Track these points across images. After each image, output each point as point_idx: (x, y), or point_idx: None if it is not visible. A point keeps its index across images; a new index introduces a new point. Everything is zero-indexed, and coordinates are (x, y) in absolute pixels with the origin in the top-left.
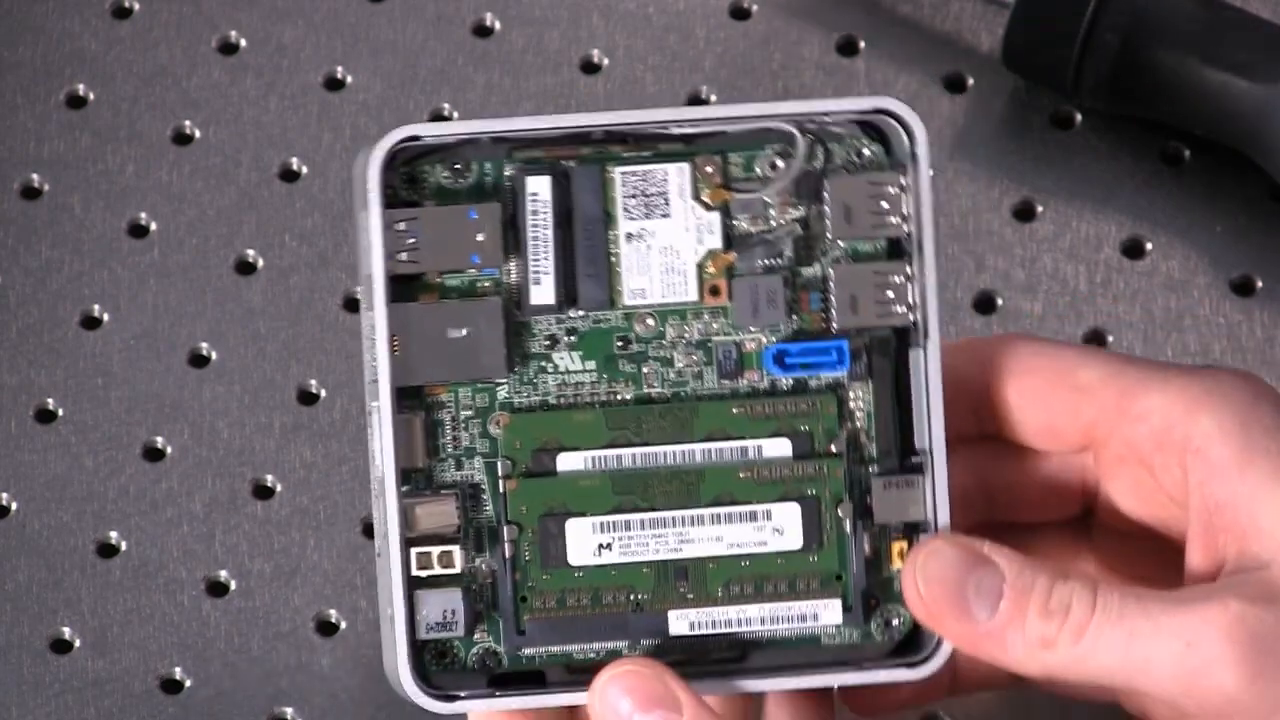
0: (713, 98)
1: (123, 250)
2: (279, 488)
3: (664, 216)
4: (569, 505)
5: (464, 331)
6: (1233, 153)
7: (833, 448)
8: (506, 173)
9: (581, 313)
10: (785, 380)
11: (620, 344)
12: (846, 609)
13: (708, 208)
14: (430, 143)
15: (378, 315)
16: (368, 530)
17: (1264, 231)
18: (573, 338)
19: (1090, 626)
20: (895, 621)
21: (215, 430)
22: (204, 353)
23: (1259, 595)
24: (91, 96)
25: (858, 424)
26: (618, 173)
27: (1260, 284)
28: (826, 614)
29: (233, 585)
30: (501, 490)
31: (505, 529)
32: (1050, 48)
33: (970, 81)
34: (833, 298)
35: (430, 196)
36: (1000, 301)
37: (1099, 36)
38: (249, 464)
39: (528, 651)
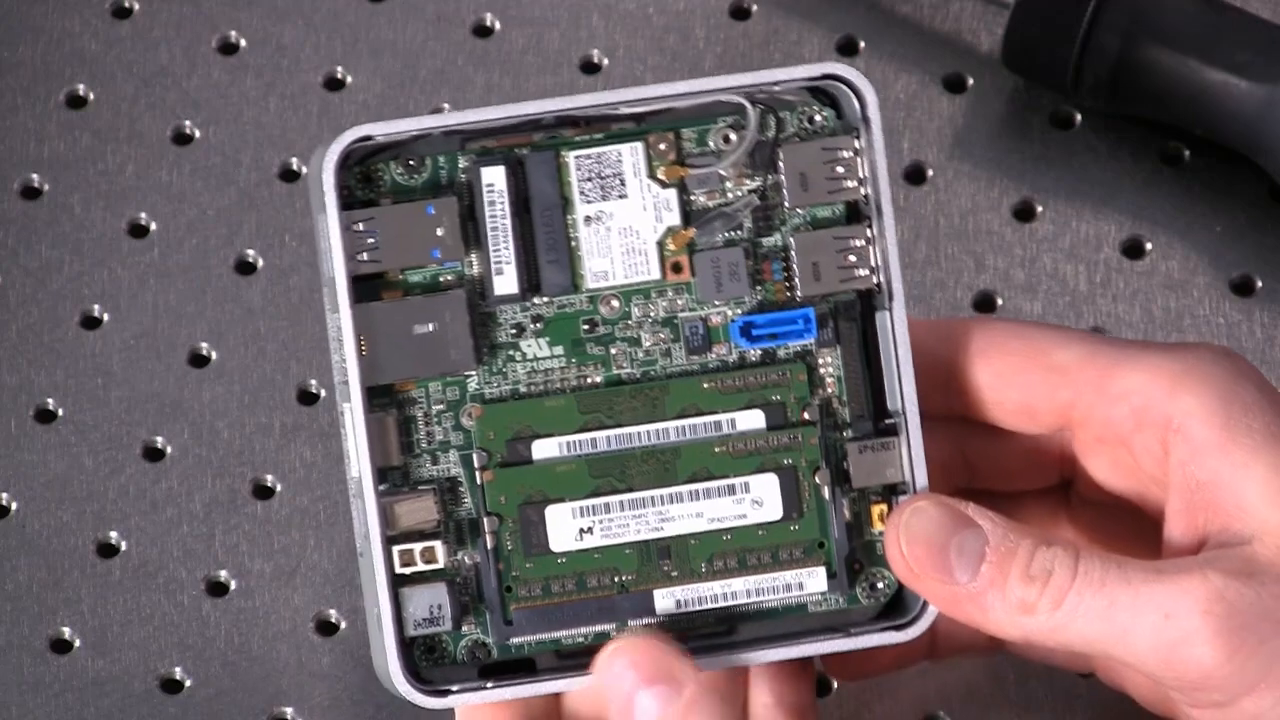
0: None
1: (123, 250)
2: (279, 488)
3: (621, 197)
4: (547, 492)
5: (430, 326)
6: (1233, 153)
7: (806, 415)
8: (461, 165)
9: (546, 299)
10: (754, 352)
11: (587, 327)
12: (831, 575)
13: (664, 185)
14: (383, 140)
15: (343, 317)
16: None
17: (1264, 231)
18: (539, 325)
19: (1071, 593)
20: (880, 584)
21: (215, 430)
22: (204, 353)
23: (1240, 570)
24: (91, 96)
25: (829, 390)
26: (571, 157)
27: (1260, 284)
28: (811, 582)
29: (233, 585)
30: (479, 482)
31: (485, 520)
32: (1050, 48)
33: (970, 81)
34: (795, 266)
35: (387, 194)
36: (1000, 301)
37: (1099, 36)
38: (249, 464)
39: (516, 641)
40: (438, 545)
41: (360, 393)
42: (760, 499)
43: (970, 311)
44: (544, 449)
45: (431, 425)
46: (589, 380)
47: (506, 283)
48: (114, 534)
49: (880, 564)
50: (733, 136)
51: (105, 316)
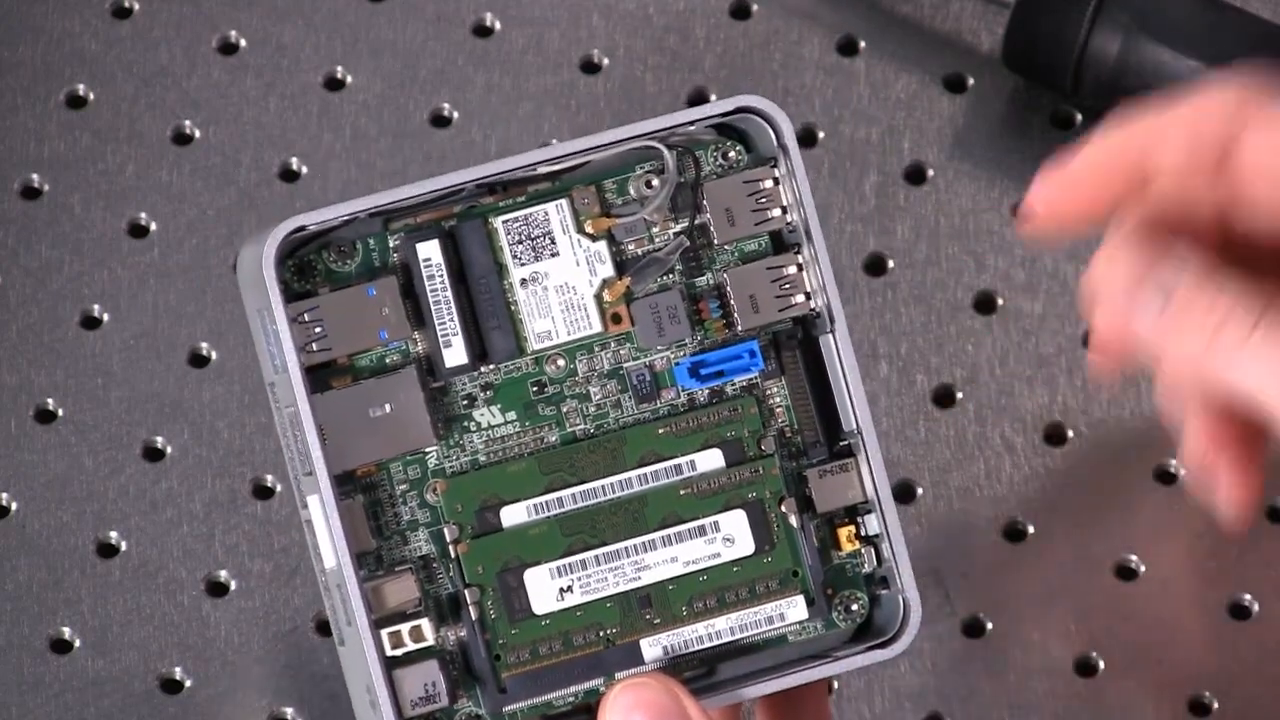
0: (713, 97)
1: (123, 250)
2: (279, 488)
3: (553, 255)
4: (523, 557)
5: (386, 408)
6: None
7: (763, 447)
8: (392, 244)
9: (492, 366)
10: (703, 392)
11: (535, 389)
12: (810, 603)
13: (593, 238)
14: (315, 229)
15: (303, 410)
16: None
17: None
18: (489, 393)
19: (1250, 341)
20: (855, 606)
21: (215, 430)
22: (204, 353)
23: None
24: (91, 96)
25: (780, 420)
26: (499, 222)
27: None
28: (792, 611)
29: (233, 585)
30: (453, 555)
31: (467, 592)
32: (1050, 48)
33: (970, 81)
34: (732, 301)
35: (323, 283)
36: (1000, 301)
37: (1099, 36)
38: (249, 464)
39: (510, 709)
40: (424, 623)
41: (329, 482)
42: (731, 536)
43: (970, 312)
44: (513, 514)
45: (398, 506)
46: (545, 441)
47: (456, 354)
48: (114, 534)
49: (852, 586)
50: (655, 182)
51: (105, 316)
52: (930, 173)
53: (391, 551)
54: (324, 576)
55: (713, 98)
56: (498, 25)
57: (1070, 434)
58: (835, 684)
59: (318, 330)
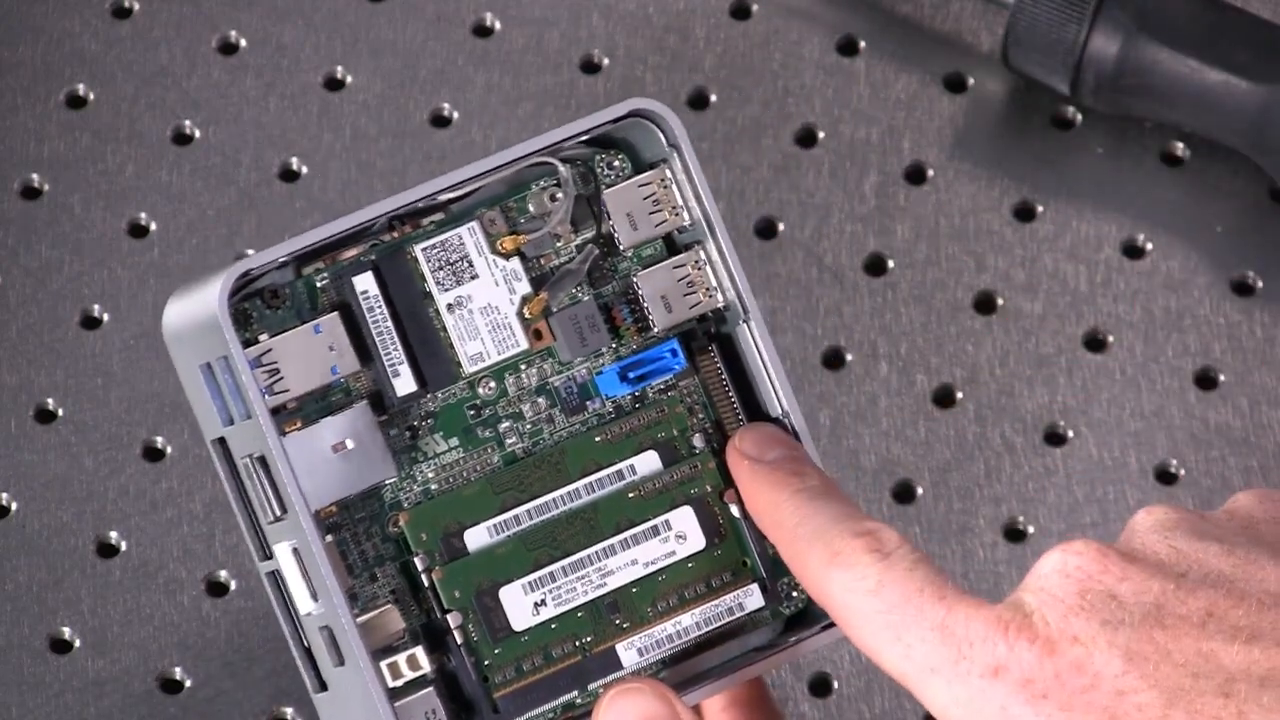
0: (714, 97)
1: (123, 250)
2: None
3: (473, 278)
4: (495, 576)
5: (349, 444)
6: (1233, 153)
7: (695, 444)
8: (319, 284)
9: (430, 395)
10: (627, 397)
11: (473, 413)
12: (764, 590)
13: (506, 256)
14: (258, 272)
15: (276, 452)
16: None
17: (1264, 231)
18: (431, 421)
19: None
20: (796, 592)
21: None
22: None
23: None
24: (91, 96)
25: (699, 416)
26: (419, 250)
27: (1260, 284)
28: (750, 600)
29: (233, 585)
30: (428, 583)
31: (449, 617)
32: (1050, 48)
33: (970, 81)
34: (646, 304)
35: (260, 330)
36: (1000, 301)
37: (1099, 36)
38: None
39: None
40: (419, 651)
41: (312, 522)
42: (684, 533)
43: (970, 312)
44: (476, 537)
45: (363, 543)
46: (490, 463)
47: (405, 383)
48: (114, 534)
49: (788, 573)
50: (559, 196)
51: (105, 316)
52: (930, 173)
53: (363, 589)
54: (292, 625)
55: (712, 97)
56: (498, 25)
57: (1070, 434)
58: (835, 683)
59: (275, 374)
